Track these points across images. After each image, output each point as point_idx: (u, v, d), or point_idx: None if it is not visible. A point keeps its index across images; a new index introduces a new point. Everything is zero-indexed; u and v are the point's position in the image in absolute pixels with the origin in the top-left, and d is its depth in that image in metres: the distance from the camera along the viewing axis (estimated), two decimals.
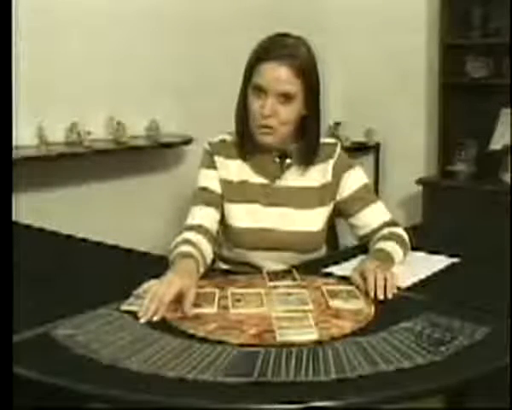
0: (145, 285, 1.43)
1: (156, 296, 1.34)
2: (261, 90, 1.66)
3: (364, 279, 1.48)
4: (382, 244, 1.68)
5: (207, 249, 1.65)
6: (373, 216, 1.78)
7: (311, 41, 1.72)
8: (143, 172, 3.48)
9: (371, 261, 1.57)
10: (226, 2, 3.69)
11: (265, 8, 3.79)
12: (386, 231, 1.75)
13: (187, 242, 1.61)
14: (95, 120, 3.17)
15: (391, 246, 1.68)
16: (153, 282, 1.42)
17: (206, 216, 1.72)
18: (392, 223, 1.79)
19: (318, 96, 1.74)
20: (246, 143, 1.77)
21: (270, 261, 1.77)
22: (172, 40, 3.47)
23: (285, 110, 1.67)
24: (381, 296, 1.42)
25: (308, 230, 1.78)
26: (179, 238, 1.64)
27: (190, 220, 1.72)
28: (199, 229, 1.68)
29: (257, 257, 1.78)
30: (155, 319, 1.31)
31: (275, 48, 1.66)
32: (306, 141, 1.76)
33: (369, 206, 1.79)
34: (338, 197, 1.80)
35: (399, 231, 1.76)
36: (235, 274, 1.65)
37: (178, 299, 1.36)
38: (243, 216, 1.77)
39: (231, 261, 1.84)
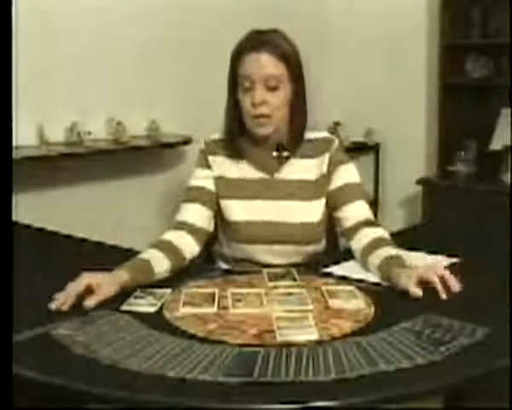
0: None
1: (66, 290, 1.42)
2: (248, 84, 1.70)
3: (426, 283, 1.45)
4: (395, 251, 1.63)
5: (188, 244, 1.70)
6: (357, 211, 1.78)
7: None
8: (143, 172, 3.48)
9: (415, 266, 1.53)
10: (229, 3, 3.69)
11: (268, 9, 3.78)
12: (380, 233, 1.71)
13: (154, 246, 1.63)
14: (95, 120, 3.17)
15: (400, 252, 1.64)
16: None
17: (191, 212, 1.76)
18: (375, 223, 1.77)
19: (303, 82, 1.78)
20: (240, 142, 1.80)
21: (271, 255, 1.78)
22: (173, 40, 3.47)
23: (274, 97, 1.70)
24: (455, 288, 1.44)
25: (307, 221, 1.79)
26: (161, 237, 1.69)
27: (176, 217, 1.77)
28: (181, 225, 1.73)
29: (257, 251, 1.79)
30: (64, 308, 1.37)
31: (255, 39, 1.72)
32: (295, 125, 1.79)
33: (355, 201, 1.79)
34: (329, 189, 1.81)
35: (387, 234, 1.74)
36: (236, 274, 1.65)
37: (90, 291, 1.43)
38: (242, 211, 1.79)
39: (232, 259, 1.86)
